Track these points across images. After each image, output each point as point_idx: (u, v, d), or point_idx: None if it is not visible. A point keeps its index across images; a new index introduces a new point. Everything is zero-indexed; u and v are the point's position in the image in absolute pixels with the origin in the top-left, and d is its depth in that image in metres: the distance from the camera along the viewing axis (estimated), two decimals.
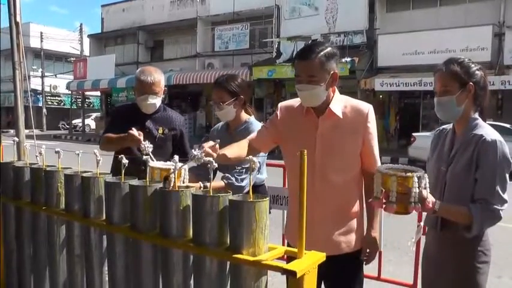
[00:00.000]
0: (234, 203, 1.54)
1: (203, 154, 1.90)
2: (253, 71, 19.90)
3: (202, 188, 2.48)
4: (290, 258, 1.57)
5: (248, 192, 2.64)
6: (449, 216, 2.10)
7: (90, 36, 31.94)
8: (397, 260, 5.13)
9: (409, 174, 1.84)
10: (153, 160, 2.34)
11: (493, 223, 2.04)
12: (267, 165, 3.08)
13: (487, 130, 2.07)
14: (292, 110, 2.40)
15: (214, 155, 2.04)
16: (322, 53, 2.16)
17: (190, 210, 1.68)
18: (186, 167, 2.38)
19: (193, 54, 24.83)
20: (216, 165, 1.74)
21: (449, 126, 2.27)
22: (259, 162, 2.76)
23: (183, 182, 2.41)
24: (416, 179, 1.83)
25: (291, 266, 1.43)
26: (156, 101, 3.07)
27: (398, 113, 19.38)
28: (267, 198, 1.55)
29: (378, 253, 4.02)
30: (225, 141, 2.83)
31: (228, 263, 1.60)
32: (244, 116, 2.88)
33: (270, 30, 22.12)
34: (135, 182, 1.90)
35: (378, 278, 4.04)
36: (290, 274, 1.41)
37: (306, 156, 1.44)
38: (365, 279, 4.18)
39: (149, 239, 1.80)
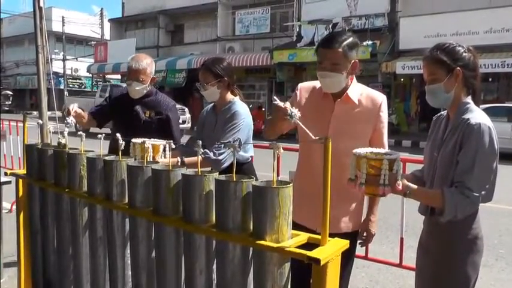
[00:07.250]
0: (257, 189, 1.51)
1: None
2: (273, 55, 19.80)
3: (179, 163, 2.65)
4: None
5: (228, 167, 2.70)
6: (422, 200, 2.10)
7: (110, 20, 32.06)
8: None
9: (378, 156, 1.85)
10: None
11: (470, 209, 1.95)
12: (286, 149, 3.05)
13: (475, 114, 1.99)
14: (311, 92, 2.49)
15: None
16: (345, 43, 2.28)
17: (214, 195, 1.66)
18: (165, 143, 2.44)
19: (214, 38, 24.74)
20: None
21: (445, 112, 2.22)
22: (240, 139, 2.87)
23: (164, 157, 2.46)
24: (386, 162, 1.83)
25: (314, 254, 1.41)
26: (140, 88, 3.29)
27: (419, 97, 19.08)
28: (291, 184, 1.52)
29: (399, 240, 4.00)
30: (211, 120, 3.04)
31: (251, 249, 1.59)
32: (229, 96, 3.01)
33: (291, 13, 21.89)
34: (157, 166, 1.90)
35: (400, 265, 4.01)
36: (314, 261, 1.39)
37: (330, 141, 1.42)
38: (386, 266, 4.20)
39: (172, 223, 1.79)
